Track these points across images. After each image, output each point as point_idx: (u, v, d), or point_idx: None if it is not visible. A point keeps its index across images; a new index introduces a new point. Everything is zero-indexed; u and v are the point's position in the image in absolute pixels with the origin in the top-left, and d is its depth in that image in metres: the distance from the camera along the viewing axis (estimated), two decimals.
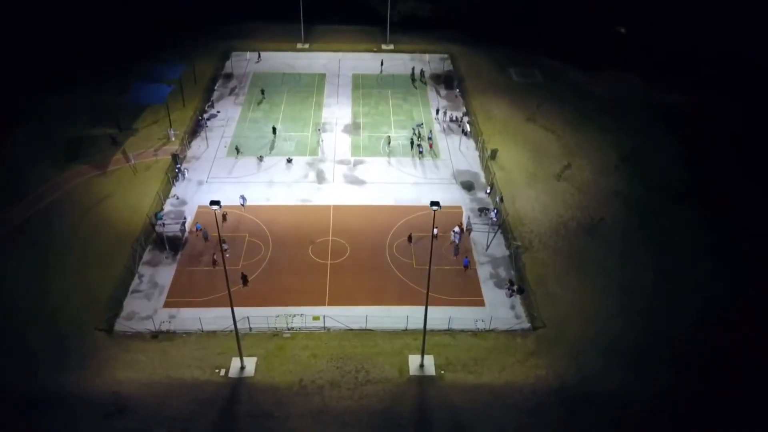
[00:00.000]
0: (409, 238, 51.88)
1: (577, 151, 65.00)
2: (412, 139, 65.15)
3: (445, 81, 78.89)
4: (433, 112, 70.95)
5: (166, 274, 48.23)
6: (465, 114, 70.50)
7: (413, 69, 79.72)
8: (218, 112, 70.35)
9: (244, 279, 47.00)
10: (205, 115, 69.11)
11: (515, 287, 47.32)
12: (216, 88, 75.77)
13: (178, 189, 57.64)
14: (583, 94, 76.14)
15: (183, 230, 51.71)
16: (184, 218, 53.16)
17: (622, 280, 48.63)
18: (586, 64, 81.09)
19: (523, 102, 73.99)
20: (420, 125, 67.51)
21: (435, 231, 51.67)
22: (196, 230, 51.65)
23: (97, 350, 41.69)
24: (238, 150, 62.29)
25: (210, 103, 71.59)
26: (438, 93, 76.09)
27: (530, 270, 49.33)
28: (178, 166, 59.54)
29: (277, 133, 65.70)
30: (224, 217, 53.07)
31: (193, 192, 57.35)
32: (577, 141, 66.68)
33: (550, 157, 63.89)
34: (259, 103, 72.36)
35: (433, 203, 34.06)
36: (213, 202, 33.45)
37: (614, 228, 54.07)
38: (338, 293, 46.72)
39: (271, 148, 63.70)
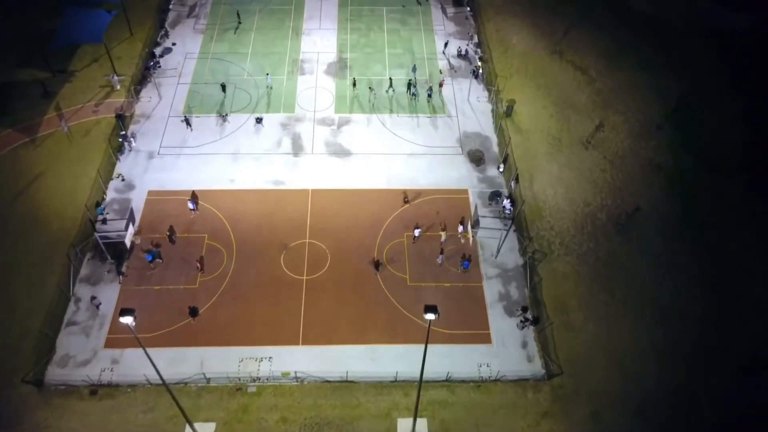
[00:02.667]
0: (376, 265, 41.39)
1: (611, 100, 53.15)
2: (409, 82, 53.02)
3: None
4: (440, 46, 57.60)
5: (109, 295, 39.69)
6: (480, 54, 57.20)
7: None
8: (174, 44, 57.26)
9: (193, 312, 38.39)
10: (157, 50, 56.29)
11: (529, 317, 39.04)
12: (171, 6, 61.54)
13: (123, 165, 47.19)
14: (621, 12, 62.00)
15: (123, 244, 40.92)
16: (127, 224, 40.47)
17: (659, 301, 40.19)
18: None
19: (548, 24, 60.26)
20: (414, 69, 54.64)
21: (417, 232, 42.63)
22: (149, 262, 40.57)
23: (22, 413, 34.48)
24: (188, 121, 49.68)
25: (163, 32, 58.23)
26: (444, 13, 61.85)
27: (547, 287, 40.67)
28: (123, 132, 48.48)
29: (227, 90, 52.63)
30: (171, 237, 42.23)
31: (143, 169, 46.96)
32: (612, 85, 54.50)
33: (579, 110, 52.24)
34: (236, 30, 58.89)
35: (429, 309, 24.50)
36: (125, 311, 24.08)
37: (652, 221, 44.47)
38: (315, 326, 38.51)
39: (221, 110, 51.31)
